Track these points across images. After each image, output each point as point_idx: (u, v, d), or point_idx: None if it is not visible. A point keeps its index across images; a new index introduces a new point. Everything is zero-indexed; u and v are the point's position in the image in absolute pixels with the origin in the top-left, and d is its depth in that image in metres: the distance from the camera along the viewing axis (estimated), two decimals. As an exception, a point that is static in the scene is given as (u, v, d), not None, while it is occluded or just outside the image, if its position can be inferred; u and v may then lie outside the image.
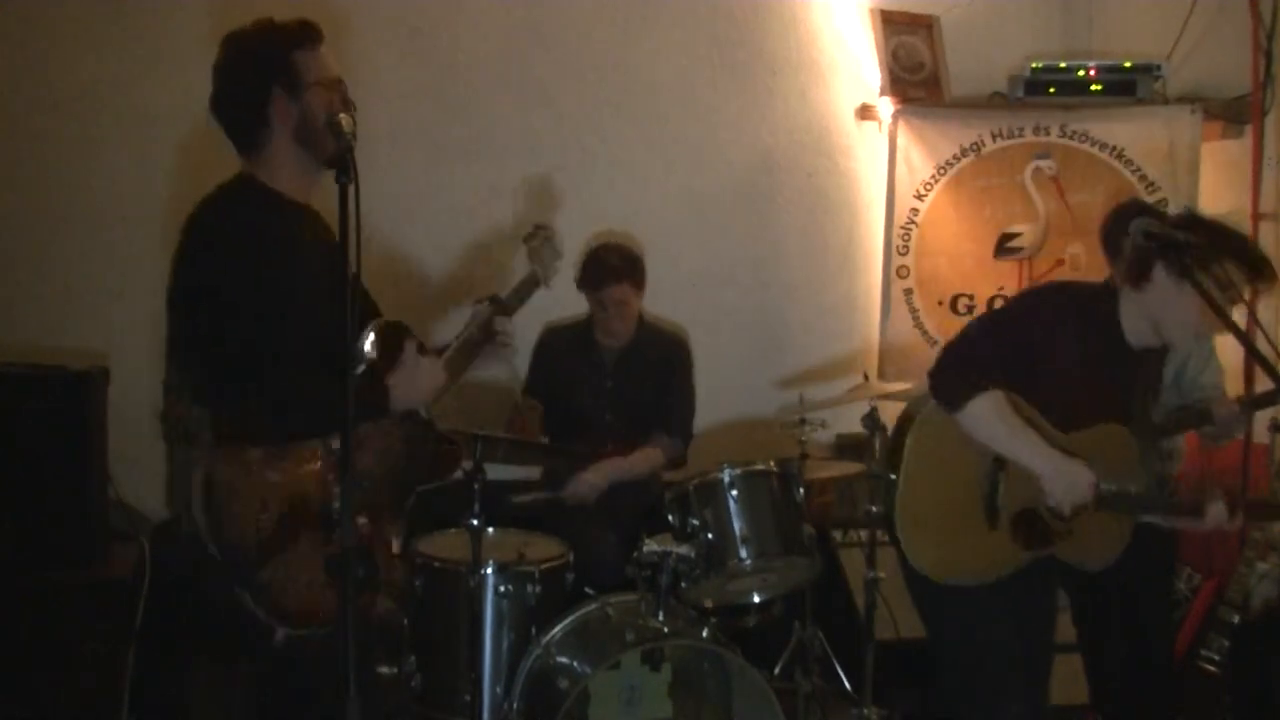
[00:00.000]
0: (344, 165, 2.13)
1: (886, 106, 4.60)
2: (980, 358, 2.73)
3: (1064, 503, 2.65)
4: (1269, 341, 2.70)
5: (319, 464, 2.36)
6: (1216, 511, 2.68)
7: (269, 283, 2.34)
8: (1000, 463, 2.71)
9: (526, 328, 3.16)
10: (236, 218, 2.41)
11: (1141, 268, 2.68)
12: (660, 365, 4.08)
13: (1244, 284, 2.65)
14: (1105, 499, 2.66)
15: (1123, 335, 2.74)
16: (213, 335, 2.34)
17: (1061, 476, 2.64)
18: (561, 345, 4.11)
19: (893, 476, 2.78)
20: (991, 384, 2.66)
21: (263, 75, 2.42)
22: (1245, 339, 2.57)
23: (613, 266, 3.93)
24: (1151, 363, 2.86)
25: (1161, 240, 2.65)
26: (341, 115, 2.27)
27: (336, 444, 2.17)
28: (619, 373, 4.05)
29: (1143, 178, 4.47)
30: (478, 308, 2.80)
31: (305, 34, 2.46)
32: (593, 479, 3.88)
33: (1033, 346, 2.71)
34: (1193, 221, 2.72)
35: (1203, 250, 2.59)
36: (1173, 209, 4.23)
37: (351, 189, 2.10)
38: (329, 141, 2.30)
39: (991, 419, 2.67)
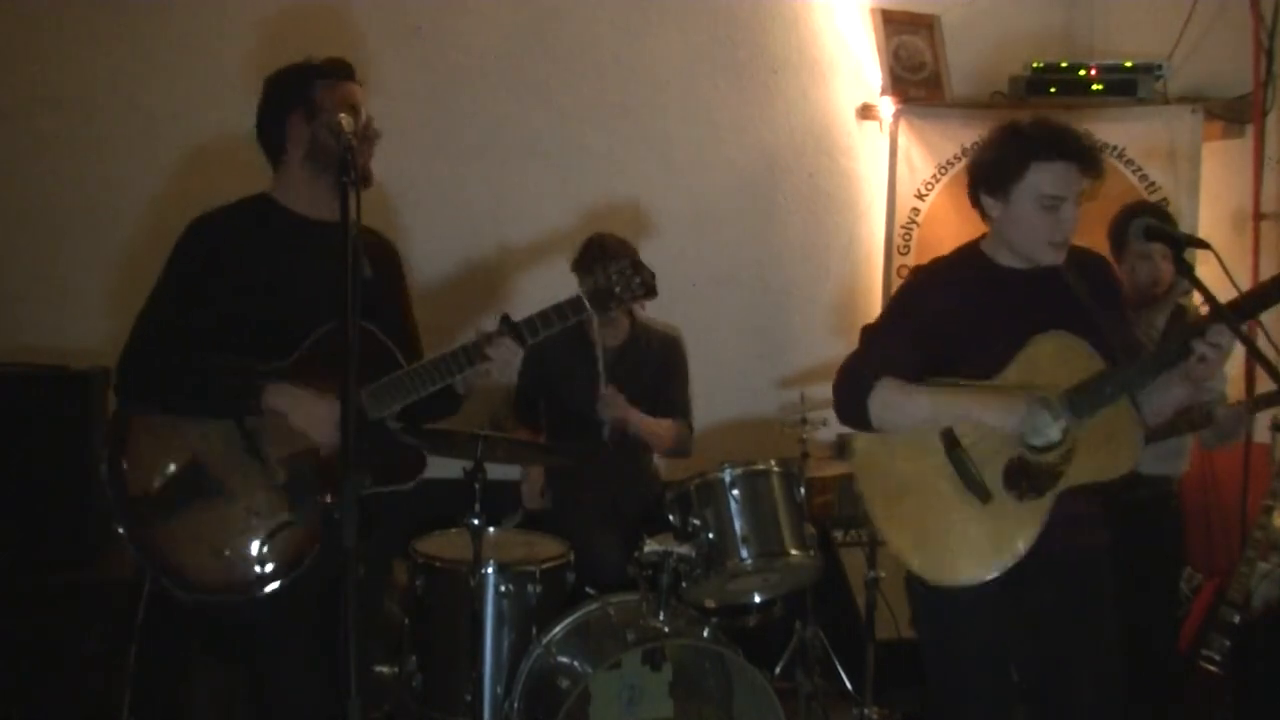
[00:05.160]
0: (344, 165, 2.12)
1: (887, 106, 4.60)
2: (865, 363, 2.70)
3: (1026, 427, 2.52)
4: (1269, 341, 2.69)
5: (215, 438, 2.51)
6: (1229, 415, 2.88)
7: (202, 273, 2.54)
8: (951, 440, 2.60)
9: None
10: (212, 217, 2.62)
11: (970, 196, 2.71)
12: (660, 358, 4.07)
13: None
14: (1076, 400, 2.51)
15: (992, 261, 2.69)
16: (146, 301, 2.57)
17: (996, 403, 2.54)
18: (556, 345, 4.08)
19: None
20: (876, 377, 2.62)
21: (284, 101, 2.62)
22: (1245, 338, 2.56)
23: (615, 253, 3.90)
24: (1071, 290, 2.64)
25: (1162, 238, 2.69)
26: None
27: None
28: (618, 368, 4.02)
29: (1144, 177, 4.46)
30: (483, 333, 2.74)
31: (330, 68, 2.63)
32: (618, 406, 3.86)
33: (920, 318, 2.67)
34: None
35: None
36: (1174, 208, 4.23)
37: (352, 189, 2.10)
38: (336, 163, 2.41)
39: (897, 401, 2.61)
